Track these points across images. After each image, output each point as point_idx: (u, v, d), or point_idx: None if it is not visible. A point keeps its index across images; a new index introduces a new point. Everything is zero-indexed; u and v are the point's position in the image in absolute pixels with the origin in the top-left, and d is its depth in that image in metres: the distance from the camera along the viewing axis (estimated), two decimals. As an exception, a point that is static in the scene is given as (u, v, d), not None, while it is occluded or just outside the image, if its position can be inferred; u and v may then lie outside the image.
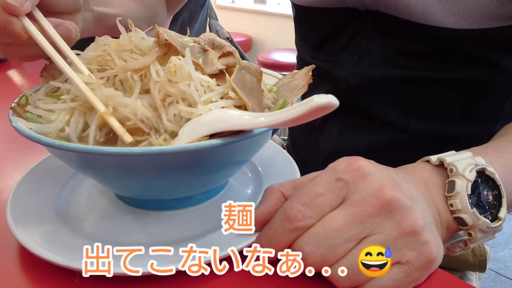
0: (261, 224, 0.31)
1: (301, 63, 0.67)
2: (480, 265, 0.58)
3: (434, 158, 0.36)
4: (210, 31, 1.12)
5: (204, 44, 0.36)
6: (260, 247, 0.30)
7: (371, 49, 0.54)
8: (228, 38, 1.12)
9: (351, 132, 0.57)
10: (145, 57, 0.33)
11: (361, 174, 0.29)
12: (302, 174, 0.40)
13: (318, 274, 0.29)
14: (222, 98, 0.32)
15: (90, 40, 0.36)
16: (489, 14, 0.45)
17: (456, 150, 0.37)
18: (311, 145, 0.63)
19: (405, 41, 0.51)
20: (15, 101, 0.33)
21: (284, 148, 0.75)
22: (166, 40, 0.34)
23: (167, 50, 0.34)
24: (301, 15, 0.64)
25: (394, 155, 0.55)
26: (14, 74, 0.88)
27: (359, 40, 0.55)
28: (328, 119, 0.59)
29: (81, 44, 0.37)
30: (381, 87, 0.54)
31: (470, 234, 0.33)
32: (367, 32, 0.54)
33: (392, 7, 0.49)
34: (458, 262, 0.58)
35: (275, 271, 0.31)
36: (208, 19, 1.15)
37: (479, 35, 0.46)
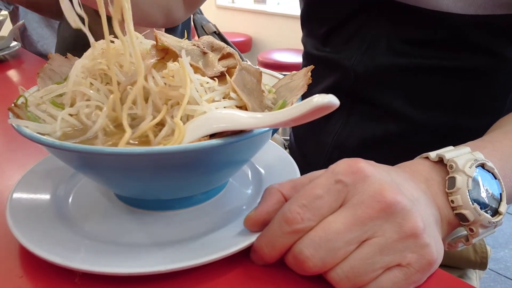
0: (261, 225, 0.31)
1: (308, 58, 0.67)
2: (481, 262, 0.58)
3: (433, 154, 0.36)
4: (195, 27, 1.12)
5: (203, 47, 0.36)
6: (260, 248, 0.30)
7: (378, 38, 0.54)
8: (215, 32, 1.11)
9: (356, 122, 0.58)
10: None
11: (361, 176, 0.29)
12: (305, 168, 0.40)
13: (318, 275, 0.29)
14: (224, 98, 0.32)
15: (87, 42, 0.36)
16: (494, 0, 0.46)
17: (461, 142, 0.38)
18: (315, 138, 0.63)
19: (412, 29, 0.52)
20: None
21: (286, 148, 0.75)
22: (164, 44, 0.34)
23: (165, 54, 0.34)
24: (309, 10, 0.64)
25: (399, 146, 0.55)
26: (13, 74, 0.88)
27: (366, 30, 0.55)
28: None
29: (78, 46, 0.37)
30: (387, 76, 0.54)
31: (471, 230, 0.33)
32: (374, 22, 0.54)
33: None
34: (459, 260, 0.58)
35: (275, 272, 0.31)
36: (191, 16, 1.15)
37: (484, 22, 0.47)
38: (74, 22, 0.31)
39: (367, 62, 0.55)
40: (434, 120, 0.54)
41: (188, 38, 0.39)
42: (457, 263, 0.59)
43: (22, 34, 1.51)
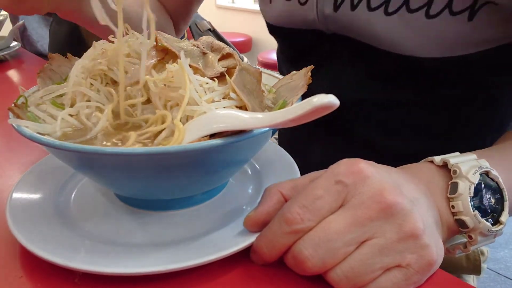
0: (261, 225, 0.31)
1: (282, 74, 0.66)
2: (474, 269, 0.58)
3: (437, 158, 0.35)
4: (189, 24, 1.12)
5: (203, 47, 0.36)
6: (259, 248, 0.30)
7: (343, 72, 0.53)
8: (209, 29, 1.11)
9: (335, 151, 0.56)
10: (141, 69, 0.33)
11: (361, 177, 0.29)
12: (304, 167, 0.39)
13: (318, 275, 0.29)
14: (224, 98, 0.32)
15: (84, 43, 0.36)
16: (463, 41, 0.43)
17: None
18: (300, 159, 0.62)
19: (377, 65, 0.50)
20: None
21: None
22: (164, 45, 0.34)
23: (165, 55, 0.34)
24: (273, 31, 0.62)
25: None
26: (13, 74, 0.88)
27: (330, 63, 0.54)
28: (311, 139, 0.59)
29: (70, 44, 0.37)
30: (357, 109, 0.53)
31: (470, 237, 0.33)
32: (338, 55, 0.52)
33: (359, 34, 0.48)
34: (450, 266, 0.58)
35: (275, 272, 0.31)
36: None
37: (454, 62, 0.45)
38: (102, 19, 0.31)
39: (335, 96, 0.53)
40: (414, 148, 0.52)
41: (182, 37, 0.39)
42: (448, 269, 0.59)
43: (22, 34, 1.51)
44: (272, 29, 0.61)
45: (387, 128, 0.53)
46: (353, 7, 0.46)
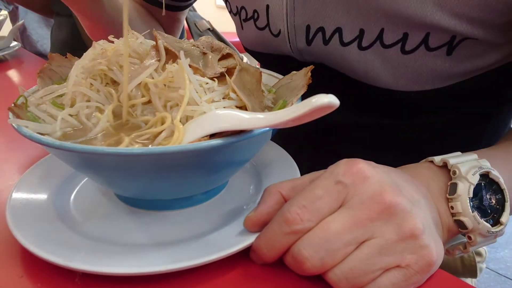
0: (260, 225, 0.31)
1: None
2: (470, 273, 0.57)
3: (437, 158, 0.35)
4: (188, 24, 1.12)
5: (203, 48, 0.36)
6: (259, 248, 0.30)
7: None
8: (209, 29, 1.12)
9: (322, 166, 0.57)
10: (141, 69, 0.33)
11: (360, 177, 0.29)
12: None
13: (318, 275, 0.29)
14: (224, 98, 0.32)
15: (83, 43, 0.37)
16: (441, 74, 0.43)
17: None
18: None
19: (355, 93, 0.49)
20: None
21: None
22: (163, 45, 0.34)
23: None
24: (250, 54, 0.61)
25: None
26: (13, 74, 0.88)
27: (309, 87, 0.54)
28: (298, 153, 0.59)
29: (71, 47, 0.37)
30: (340, 130, 0.53)
31: (469, 238, 0.33)
32: (317, 80, 0.52)
33: (335, 65, 0.47)
34: (447, 271, 0.58)
35: (275, 272, 0.31)
36: None
37: (432, 93, 0.44)
38: None
39: (319, 120, 0.53)
40: (403, 162, 0.53)
41: (181, 37, 0.39)
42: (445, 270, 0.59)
43: (22, 34, 1.51)
44: (249, 52, 0.60)
45: (373, 147, 0.52)
46: (326, 42, 0.46)
